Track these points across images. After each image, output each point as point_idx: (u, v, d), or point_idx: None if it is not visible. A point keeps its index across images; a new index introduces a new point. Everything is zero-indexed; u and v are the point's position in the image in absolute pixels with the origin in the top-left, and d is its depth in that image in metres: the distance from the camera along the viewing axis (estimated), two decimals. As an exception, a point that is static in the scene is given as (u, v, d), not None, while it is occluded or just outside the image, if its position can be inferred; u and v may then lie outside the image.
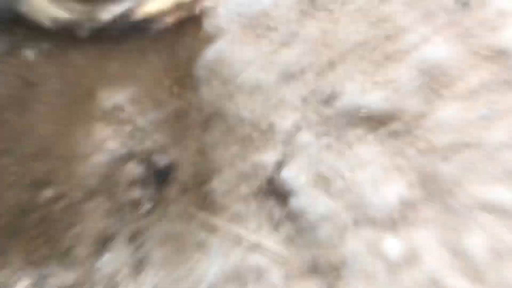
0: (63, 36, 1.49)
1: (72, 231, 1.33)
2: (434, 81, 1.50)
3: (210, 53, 1.52)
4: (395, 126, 1.47)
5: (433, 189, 1.39)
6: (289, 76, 1.49)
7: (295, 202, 1.37)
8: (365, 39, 1.53)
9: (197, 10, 1.53)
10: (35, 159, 1.40)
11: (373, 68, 1.51)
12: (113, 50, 1.50)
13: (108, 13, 1.46)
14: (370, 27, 1.55)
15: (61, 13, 1.47)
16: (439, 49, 1.53)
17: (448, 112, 1.47)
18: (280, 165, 1.41)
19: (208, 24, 1.55)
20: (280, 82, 1.49)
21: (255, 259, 1.33)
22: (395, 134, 1.46)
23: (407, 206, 1.37)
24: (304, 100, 1.48)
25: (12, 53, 1.48)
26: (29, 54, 1.48)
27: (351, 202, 1.37)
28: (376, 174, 1.41)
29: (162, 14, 1.49)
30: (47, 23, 1.46)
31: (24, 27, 1.50)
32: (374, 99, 1.48)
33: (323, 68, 1.51)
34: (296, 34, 1.53)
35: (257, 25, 1.54)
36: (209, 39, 1.53)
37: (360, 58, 1.52)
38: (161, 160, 1.42)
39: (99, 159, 1.40)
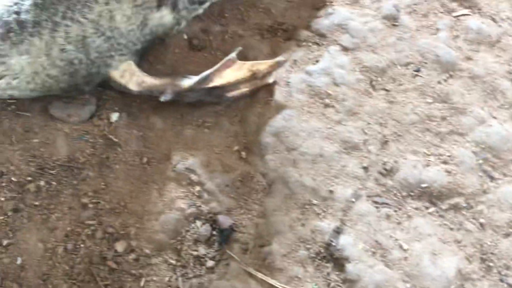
0: (146, 99, 1.61)
1: (140, 282, 1.39)
2: (493, 160, 1.52)
3: (278, 120, 1.59)
4: (455, 200, 1.49)
5: (490, 263, 1.39)
6: (351, 147, 1.55)
7: (352, 269, 1.39)
8: (422, 117, 1.59)
9: (270, 80, 1.63)
10: (110, 214, 1.48)
11: (433, 145, 1.55)
12: (189, 115, 1.60)
13: (189, 80, 1.58)
14: (427, 106, 1.61)
15: (148, 78, 1.60)
16: (496, 129, 1.56)
17: (508, 189, 1.48)
18: (338, 231, 1.44)
19: (278, 93, 1.63)
20: (342, 152, 1.55)
21: (311, 320, 1.36)
22: (455, 209, 1.48)
23: (464, 279, 1.37)
24: (365, 170, 1.53)
25: (99, 114, 1.61)
26: (114, 116, 1.61)
27: (408, 272, 1.39)
28: (435, 246, 1.42)
29: (238, 82, 1.58)
30: (133, 87, 1.59)
31: (111, 91, 1.63)
32: (434, 173, 1.51)
33: (384, 140, 1.57)
34: (359, 107, 1.60)
35: (324, 97, 1.62)
36: (278, 107, 1.61)
37: (420, 134, 1.57)
38: (225, 221, 1.47)
39: (169, 216, 1.47)
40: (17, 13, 1.45)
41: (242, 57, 1.61)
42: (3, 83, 1.50)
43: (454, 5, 1.71)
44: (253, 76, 1.58)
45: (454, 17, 1.70)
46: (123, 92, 1.61)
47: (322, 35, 1.70)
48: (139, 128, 1.60)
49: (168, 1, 1.61)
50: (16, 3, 1.46)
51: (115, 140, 1.57)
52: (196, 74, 1.60)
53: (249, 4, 1.78)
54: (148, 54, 1.70)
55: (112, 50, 1.56)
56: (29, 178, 1.50)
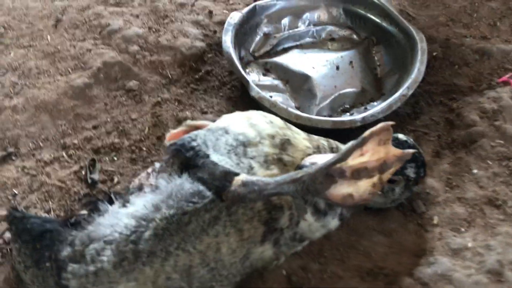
0: None
1: None
2: None
3: None
4: None
5: None
6: None
7: None
8: None
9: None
10: None
11: None
12: None
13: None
14: None
15: None
16: None
17: None
18: None
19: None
20: None
21: None
22: None
23: None
24: None
25: None
26: None
27: None
28: None
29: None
30: None
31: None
32: None
33: None
34: None
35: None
36: None
37: None
38: None
39: None
40: (135, 242, 1.49)
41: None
42: (102, 306, 1.51)
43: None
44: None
45: None
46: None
47: (424, 284, 1.66)
48: None
49: (271, 236, 1.65)
50: (134, 232, 1.51)
51: None
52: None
53: (348, 245, 1.80)
54: (246, 287, 1.70)
55: (213, 281, 1.58)
56: None
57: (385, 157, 1.49)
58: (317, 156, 1.70)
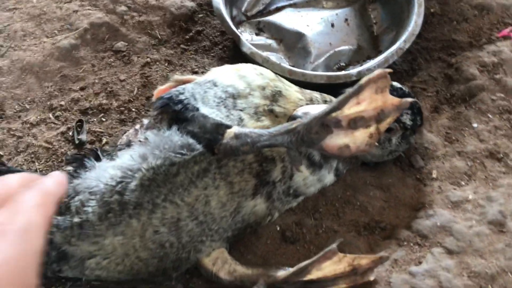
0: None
1: None
2: None
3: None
4: None
5: None
6: None
7: None
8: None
9: (371, 277, 1.50)
10: None
11: None
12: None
13: (284, 271, 1.48)
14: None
15: (240, 268, 1.52)
16: None
17: None
18: None
19: (378, 295, 1.50)
20: None
21: None
22: None
23: None
24: None
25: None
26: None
27: None
28: None
29: (336, 276, 1.47)
30: (224, 276, 1.50)
31: (199, 279, 1.55)
32: None
33: None
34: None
35: None
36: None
37: None
38: None
39: None
40: (121, 193, 1.43)
41: (339, 251, 1.51)
42: (93, 262, 1.44)
43: None
44: (353, 271, 1.46)
45: None
46: (210, 281, 1.53)
47: (424, 236, 1.60)
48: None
49: (263, 190, 1.58)
50: (120, 182, 1.44)
51: None
52: (288, 266, 1.51)
53: (344, 201, 1.74)
54: (239, 244, 1.64)
55: (203, 235, 1.52)
56: None
57: (382, 105, 1.42)
58: (310, 106, 1.63)
